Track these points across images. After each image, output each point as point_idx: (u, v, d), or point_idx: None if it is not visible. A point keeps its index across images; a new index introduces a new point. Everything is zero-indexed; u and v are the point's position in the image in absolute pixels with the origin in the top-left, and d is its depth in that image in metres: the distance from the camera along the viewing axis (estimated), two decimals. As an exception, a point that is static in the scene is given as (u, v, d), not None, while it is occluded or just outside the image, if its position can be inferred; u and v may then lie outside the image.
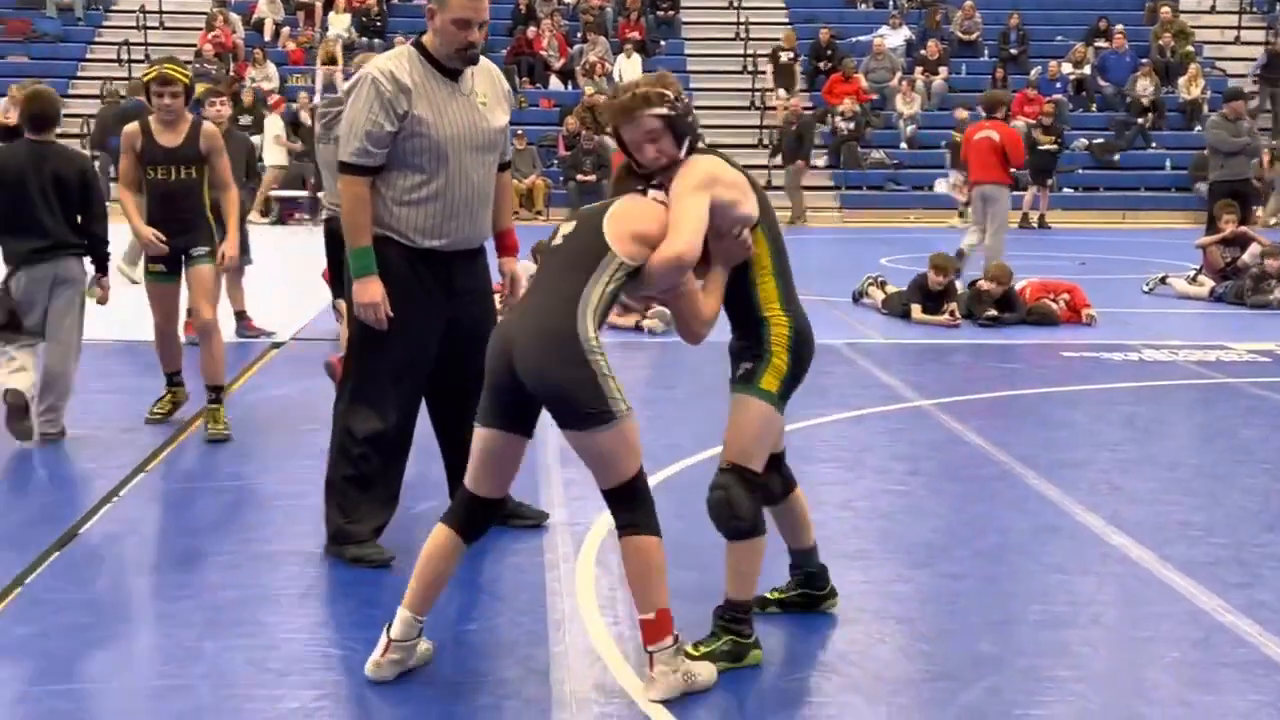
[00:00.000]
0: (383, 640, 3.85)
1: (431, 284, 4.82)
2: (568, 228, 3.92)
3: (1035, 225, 20.36)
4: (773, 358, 3.94)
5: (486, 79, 4.92)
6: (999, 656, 4.12)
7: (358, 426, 4.88)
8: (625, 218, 3.80)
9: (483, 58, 4.94)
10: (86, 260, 6.82)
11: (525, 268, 5.99)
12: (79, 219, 6.72)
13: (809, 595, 4.43)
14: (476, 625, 4.35)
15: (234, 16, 23.44)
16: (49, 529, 5.27)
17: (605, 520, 5.39)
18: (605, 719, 3.67)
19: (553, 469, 6.20)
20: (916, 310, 10.74)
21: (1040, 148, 19.98)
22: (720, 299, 3.96)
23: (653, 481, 5.87)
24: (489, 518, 3.92)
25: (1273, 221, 19.59)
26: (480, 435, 3.82)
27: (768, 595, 4.42)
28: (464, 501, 3.88)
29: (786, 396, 3.98)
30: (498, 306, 5.19)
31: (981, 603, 4.60)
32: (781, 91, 22.64)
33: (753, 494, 3.93)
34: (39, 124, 6.74)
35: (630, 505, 3.78)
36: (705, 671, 3.84)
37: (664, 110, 3.90)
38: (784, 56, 22.61)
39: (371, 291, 4.71)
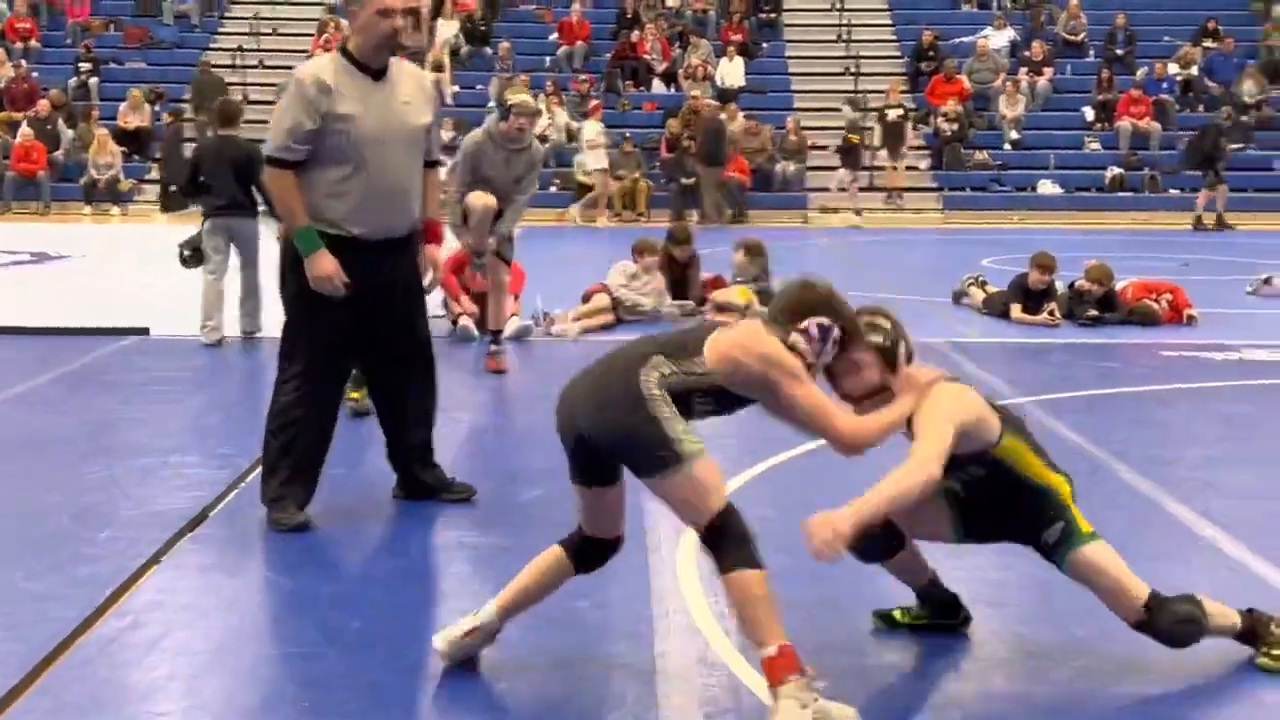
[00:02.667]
0: (469, 621, 3.96)
1: (360, 271, 5.19)
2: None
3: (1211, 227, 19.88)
4: (1071, 512, 4.06)
5: (412, 81, 5.38)
6: (1089, 640, 4.27)
7: (284, 401, 5.29)
8: (729, 340, 3.73)
9: (410, 63, 5.53)
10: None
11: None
12: (251, 188, 9.40)
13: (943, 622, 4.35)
14: (587, 602, 4.57)
15: (344, 23, 23.99)
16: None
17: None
18: (706, 689, 3.88)
19: (656, 460, 6.40)
20: (1016, 309, 10.81)
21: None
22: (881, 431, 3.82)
23: (752, 472, 6.11)
24: (604, 555, 4.03)
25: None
26: (576, 491, 3.93)
27: (894, 614, 4.37)
28: (580, 538, 3.99)
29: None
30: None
31: (1072, 591, 4.74)
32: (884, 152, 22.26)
33: (1194, 614, 3.96)
34: (224, 122, 9.90)
35: (721, 543, 3.64)
36: (840, 713, 3.57)
37: (878, 340, 3.87)
38: (892, 115, 22.06)
39: (323, 264, 5.14)
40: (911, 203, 21.47)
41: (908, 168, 22.11)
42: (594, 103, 22.04)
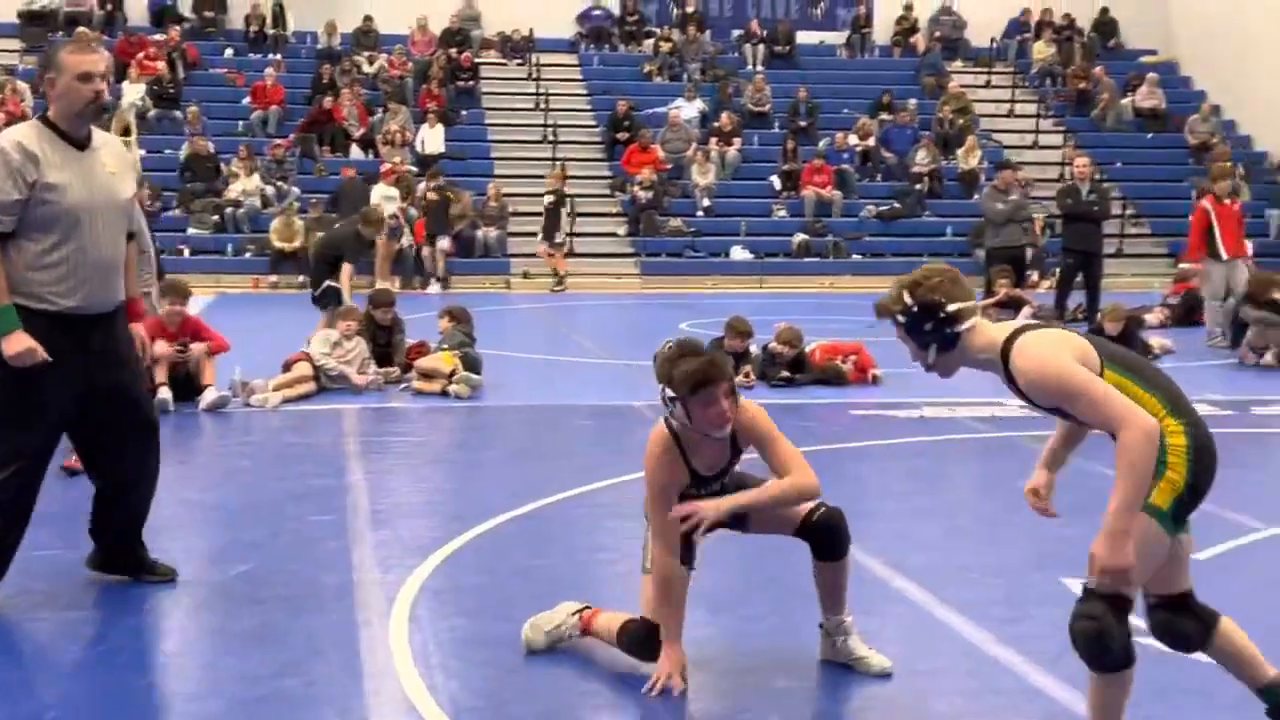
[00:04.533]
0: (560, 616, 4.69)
1: (67, 346, 5.01)
2: None
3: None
4: (1168, 470, 3.50)
5: (113, 151, 5.27)
6: (792, 690, 4.43)
7: None
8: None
9: (108, 134, 5.40)
10: None
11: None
12: None
13: None
14: (295, 680, 4.47)
15: (22, 85, 22.96)
16: None
17: (416, 577, 5.58)
18: (423, 762, 3.85)
19: (364, 532, 6.34)
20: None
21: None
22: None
23: (459, 541, 6.13)
24: None
25: (1044, 286, 20.62)
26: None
27: None
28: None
29: (1181, 518, 3.56)
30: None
31: (776, 642, 4.92)
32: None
33: (1123, 622, 3.53)
34: None
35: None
36: None
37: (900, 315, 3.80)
38: (548, 200, 21.76)
39: (17, 341, 4.90)
40: (611, 268, 21.87)
41: (608, 233, 22.55)
42: (385, 166, 21.80)
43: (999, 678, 4.64)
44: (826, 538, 4.57)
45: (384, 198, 20.35)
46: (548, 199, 21.18)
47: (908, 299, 3.73)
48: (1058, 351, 3.56)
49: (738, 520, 4.57)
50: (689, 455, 4.42)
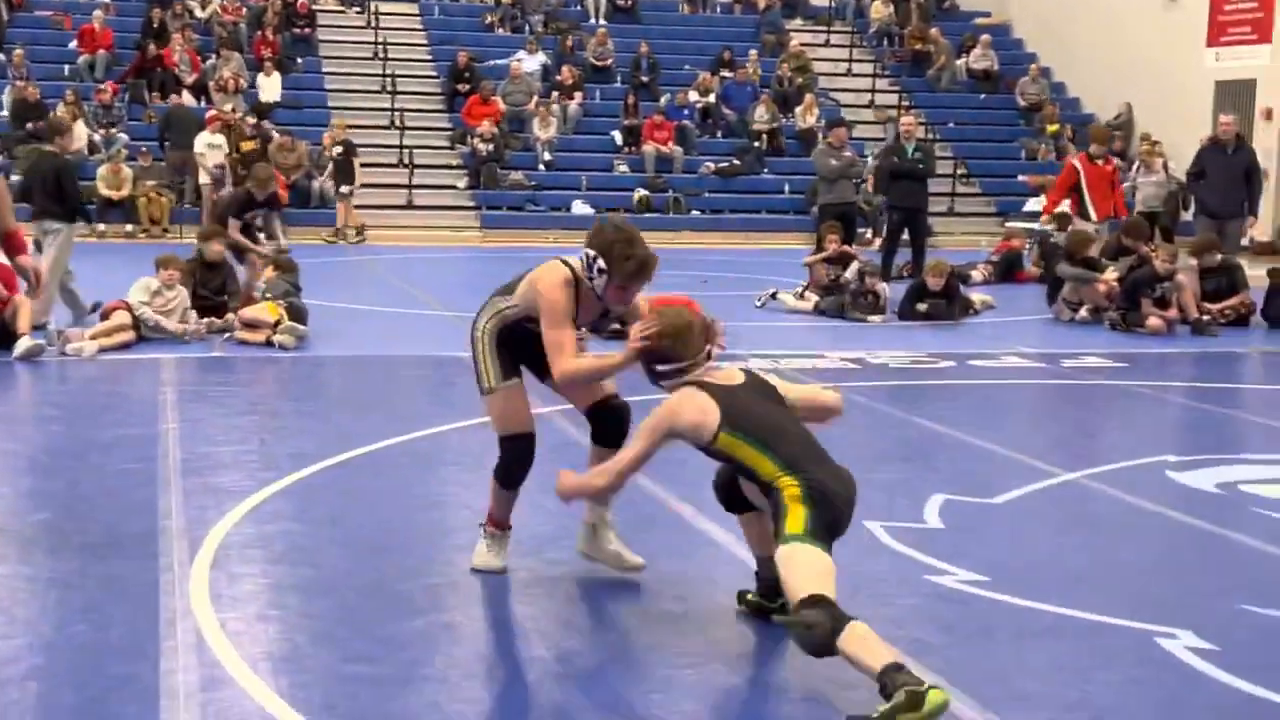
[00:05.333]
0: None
1: None
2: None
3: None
4: (788, 511, 4.22)
5: None
6: (592, 630, 4.52)
7: None
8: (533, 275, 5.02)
9: None
10: None
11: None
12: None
13: (763, 605, 4.66)
14: (87, 625, 4.43)
15: None
16: None
17: (223, 525, 5.55)
18: (212, 703, 3.85)
19: (173, 479, 6.27)
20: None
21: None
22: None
23: (269, 490, 6.10)
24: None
25: (877, 243, 21.02)
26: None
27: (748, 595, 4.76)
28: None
29: (817, 533, 4.17)
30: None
31: (584, 587, 5.01)
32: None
33: (816, 620, 3.96)
34: None
35: (500, 454, 5.12)
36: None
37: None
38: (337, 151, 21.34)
39: None
40: (450, 220, 21.70)
41: (447, 186, 22.39)
42: (210, 113, 21.15)
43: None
44: (614, 422, 5.10)
45: (208, 145, 19.94)
46: (336, 150, 20.84)
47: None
48: (673, 408, 4.50)
49: (546, 372, 5.01)
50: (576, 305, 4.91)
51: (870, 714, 3.74)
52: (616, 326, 5.67)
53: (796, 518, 4.19)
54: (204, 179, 19.99)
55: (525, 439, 5.05)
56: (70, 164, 11.85)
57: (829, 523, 4.23)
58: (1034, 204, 21.98)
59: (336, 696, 3.94)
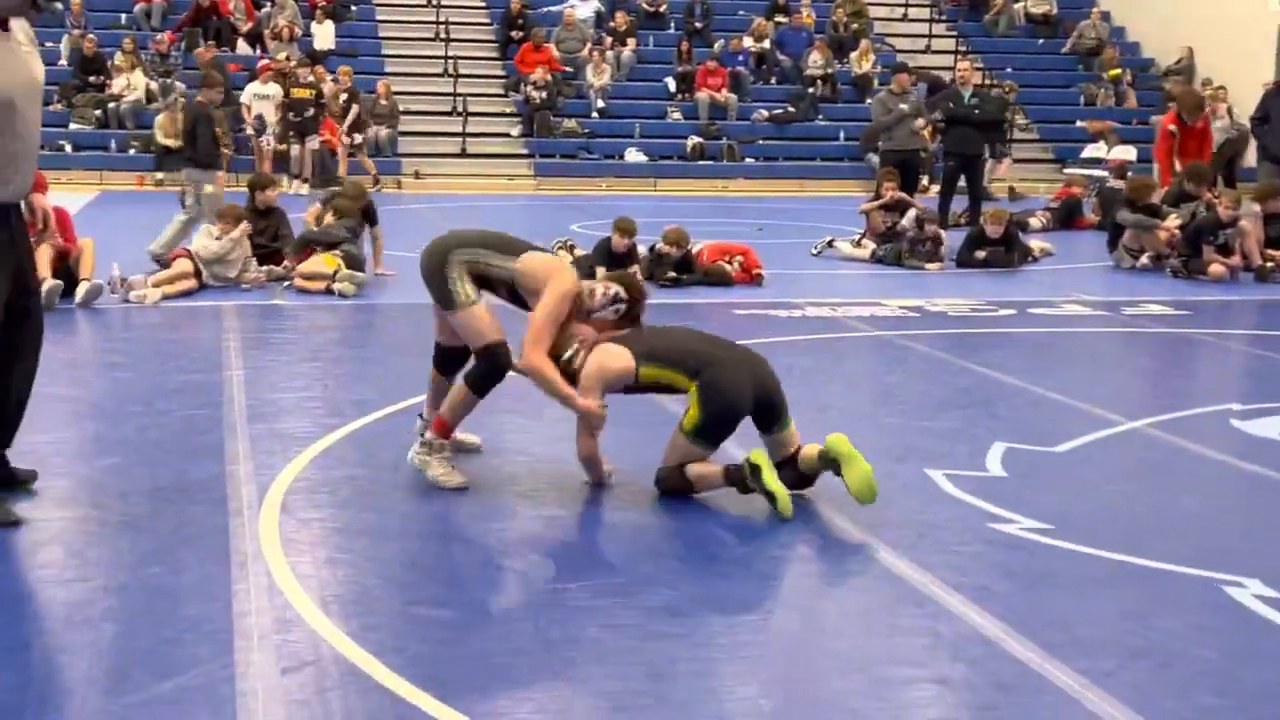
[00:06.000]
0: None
1: (4, 237, 4.83)
2: None
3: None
4: (688, 411, 5.33)
5: (22, 28, 4.95)
6: (654, 575, 4.55)
7: None
8: (546, 262, 5.63)
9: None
10: None
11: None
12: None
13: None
14: (160, 568, 4.50)
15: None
16: None
17: (290, 470, 5.62)
18: (285, 645, 3.91)
19: (239, 425, 6.34)
20: (600, 271, 11.16)
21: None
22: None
23: (335, 436, 6.16)
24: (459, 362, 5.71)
25: (933, 190, 20.85)
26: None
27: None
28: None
29: (708, 438, 5.34)
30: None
31: (644, 532, 5.04)
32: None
33: (665, 475, 5.40)
34: None
35: (477, 365, 5.45)
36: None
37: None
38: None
39: None
40: (504, 169, 21.72)
41: (501, 134, 22.39)
42: (262, 63, 21.17)
43: (852, 560, 4.79)
44: (460, 364, 5.69)
45: (255, 96, 19.87)
46: (343, 99, 20.77)
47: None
48: (598, 363, 5.40)
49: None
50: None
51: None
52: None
53: (691, 418, 5.29)
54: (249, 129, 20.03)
55: (504, 346, 5.38)
56: (206, 114, 11.91)
57: (720, 414, 5.27)
58: (1093, 150, 21.74)
59: (405, 638, 4.00)
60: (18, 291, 4.95)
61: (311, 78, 20.34)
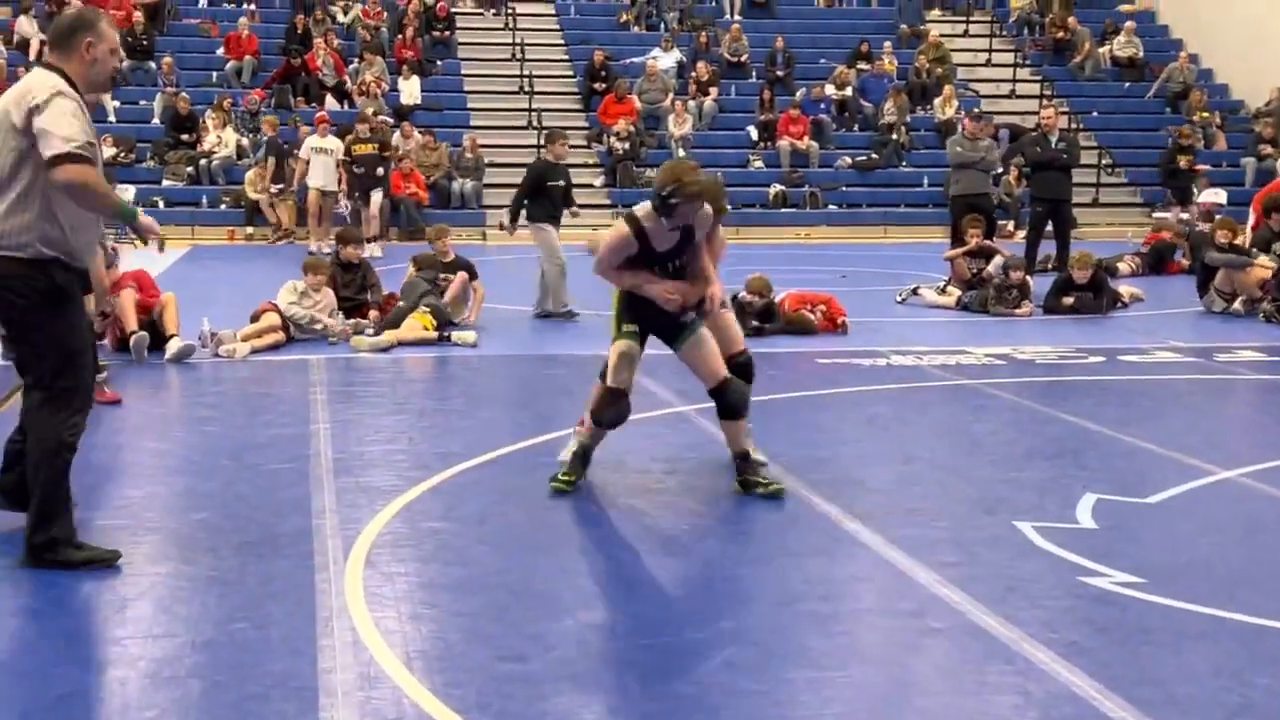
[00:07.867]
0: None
1: (80, 298, 5.14)
2: None
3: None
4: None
5: None
6: (738, 630, 4.51)
7: (67, 434, 5.02)
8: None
9: None
10: None
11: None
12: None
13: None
14: (246, 623, 4.54)
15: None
16: None
17: (375, 524, 5.65)
18: (369, 702, 3.92)
19: (325, 479, 6.39)
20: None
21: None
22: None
23: (419, 489, 6.19)
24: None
25: (1019, 236, 20.67)
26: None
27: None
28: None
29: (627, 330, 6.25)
30: None
31: (729, 586, 5.00)
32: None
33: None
34: None
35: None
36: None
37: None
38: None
39: (149, 220, 5.19)
40: (588, 220, 21.81)
41: (584, 184, 22.53)
42: (318, 114, 20.95)
43: (940, 615, 4.72)
44: (739, 373, 6.40)
45: (313, 149, 18.84)
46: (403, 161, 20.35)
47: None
48: (605, 239, 6.30)
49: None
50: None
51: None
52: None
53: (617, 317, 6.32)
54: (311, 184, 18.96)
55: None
56: (545, 169, 12.51)
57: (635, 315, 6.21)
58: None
59: (490, 695, 3.99)
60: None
61: (369, 132, 19.41)
